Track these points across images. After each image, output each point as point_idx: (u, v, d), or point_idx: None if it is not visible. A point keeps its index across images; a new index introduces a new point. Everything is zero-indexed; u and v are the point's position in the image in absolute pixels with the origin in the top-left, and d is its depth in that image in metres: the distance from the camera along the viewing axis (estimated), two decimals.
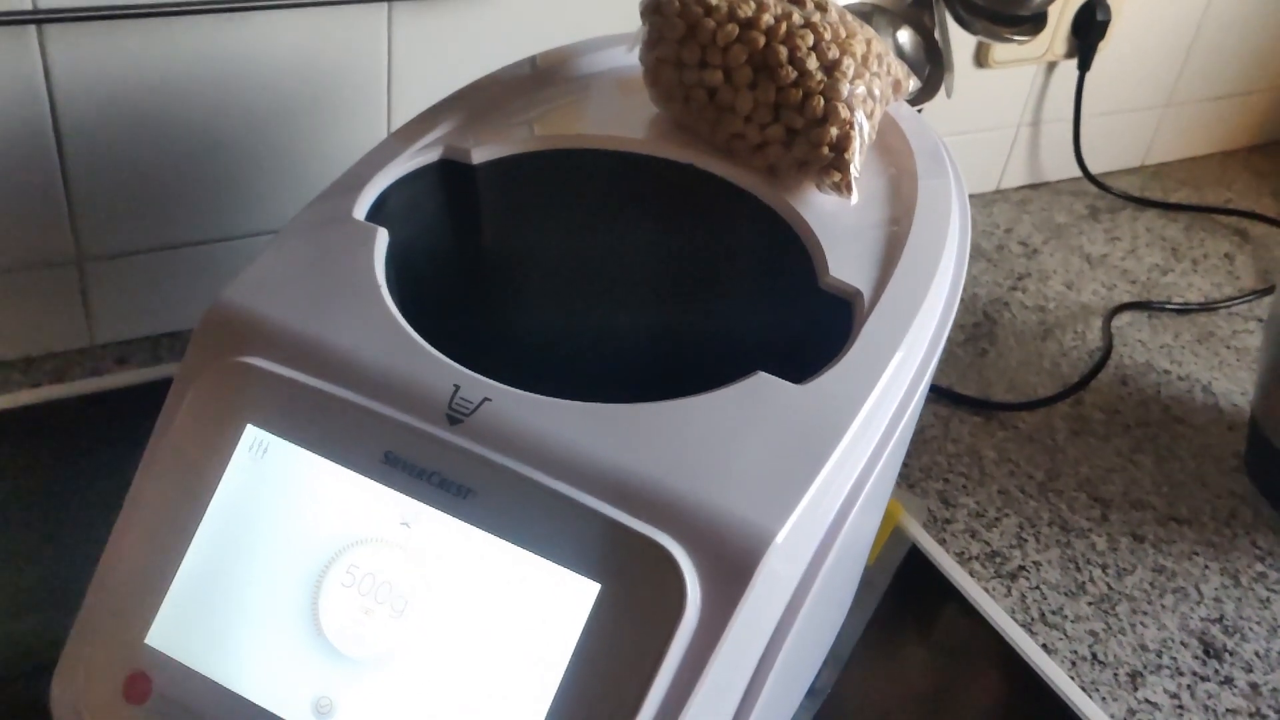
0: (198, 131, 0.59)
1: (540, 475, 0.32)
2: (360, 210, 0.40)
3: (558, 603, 0.31)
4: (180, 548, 0.34)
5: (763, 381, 0.35)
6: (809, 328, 0.40)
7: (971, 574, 0.58)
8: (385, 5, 0.60)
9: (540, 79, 0.49)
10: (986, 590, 0.57)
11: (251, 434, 0.34)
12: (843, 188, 0.42)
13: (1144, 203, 0.94)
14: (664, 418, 0.33)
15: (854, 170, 0.42)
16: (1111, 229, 0.90)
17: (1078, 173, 0.94)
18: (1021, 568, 0.59)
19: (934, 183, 0.45)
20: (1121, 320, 0.80)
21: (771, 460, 0.33)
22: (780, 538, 0.31)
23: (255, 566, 0.33)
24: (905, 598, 0.55)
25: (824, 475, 0.33)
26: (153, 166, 0.59)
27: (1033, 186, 0.94)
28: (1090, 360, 0.75)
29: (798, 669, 0.41)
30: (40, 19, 0.52)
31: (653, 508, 0.31)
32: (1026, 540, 0.61)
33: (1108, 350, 0.75)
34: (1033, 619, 0.56)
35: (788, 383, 0.35)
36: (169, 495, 0.34)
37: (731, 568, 0.31)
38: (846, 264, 0.40)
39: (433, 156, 0.43)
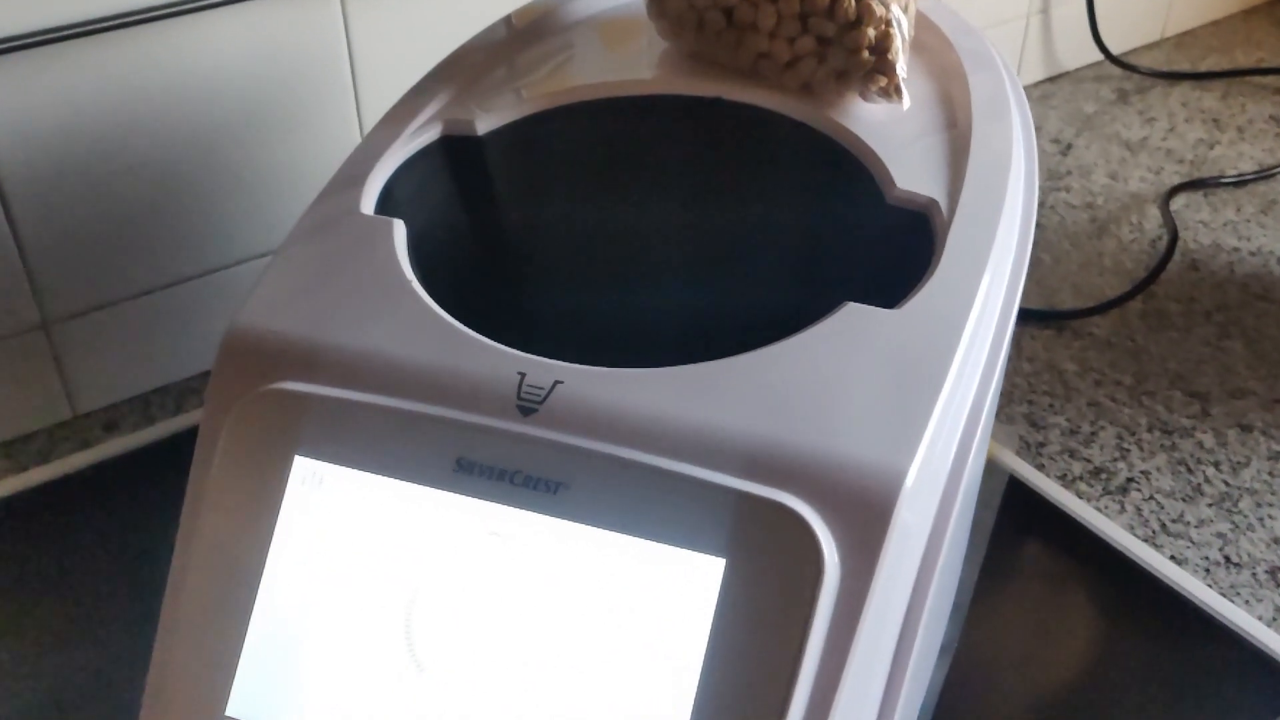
0: (151, 160, 0.58)
1: (635, 453, 0.30)
2: (368, 204, 0.38)
3: (681, 588, 0.30)
4: (245, 605, 0.32)
5: (854, 312, 0.33)
6: (885, 248, 0.38)
7: (1079, 495, 0.57)
8: None
9: (523, 37, 0.48)
10: (1099, 510, 0.56)
11: (302, 466, 0.32)
12: (891, 92, 0.41)
13: (1174, 76, 0.93)
14: (757, 368, 0.32)
15: (900, 71, 0.40)
16: (1145, 110, 0.89)
17: (1098, 56, 0.93)
18: (1130, 480, 0.58)
19: (984, 76, 0.44)
20: (1178, 203, 0.79)
21: (883, 395, 0.31)
22: (910, 478, 0.30)
23: (334, 610, 0.32)
24: (1015, 533, 0.54)
25: (941, 403, 0.32)
26: (108, 207, 0.58)
27: (1052, 79, 0.93)
28: (1154, 251, 0.74)
29: (937, 624, 0.40)
30: None
31: (768, 467, 0.30)
32: (1129, 450, 0.60)
33: (1174, 237, 0.74)
34: (1154, 531, 0.55)
35: (881, 309, 0.34)
36: (221, 551, 0.33)
37: (865, 517, 0.29)
38: (912, 174, 0.39)
39: (432, 135, 0.42)
